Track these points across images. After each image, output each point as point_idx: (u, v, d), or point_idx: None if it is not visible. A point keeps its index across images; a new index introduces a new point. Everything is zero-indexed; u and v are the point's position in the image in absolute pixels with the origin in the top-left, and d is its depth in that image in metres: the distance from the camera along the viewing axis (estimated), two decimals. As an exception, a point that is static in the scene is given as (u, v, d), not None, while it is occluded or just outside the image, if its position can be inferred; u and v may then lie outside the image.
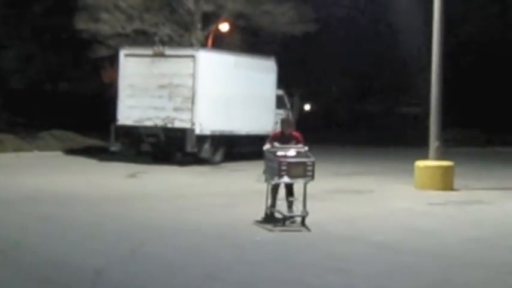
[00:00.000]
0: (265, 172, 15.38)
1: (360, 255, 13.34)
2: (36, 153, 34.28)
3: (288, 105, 38.82)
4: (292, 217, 15.10)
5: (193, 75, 31.32)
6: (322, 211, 18.67)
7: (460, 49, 43.68)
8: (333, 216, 18.37)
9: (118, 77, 32.84)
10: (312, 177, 14.79)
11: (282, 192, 16.15)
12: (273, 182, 14.92)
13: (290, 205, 15.92)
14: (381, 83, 56.47)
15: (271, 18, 41.47)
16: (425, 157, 24.72)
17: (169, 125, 31.36)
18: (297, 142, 15.44)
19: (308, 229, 14.96)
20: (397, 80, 52.89)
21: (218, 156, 32.67)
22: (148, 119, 31.66)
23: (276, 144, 15.40)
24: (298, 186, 15.34)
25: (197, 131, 31.21)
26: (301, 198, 15.40)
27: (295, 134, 15.85)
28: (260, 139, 34.89)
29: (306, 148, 15.21)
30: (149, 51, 33.37)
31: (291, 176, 14.32)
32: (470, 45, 51.58)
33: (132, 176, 26.96)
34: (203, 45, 40.12)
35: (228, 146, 33.27)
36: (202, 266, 12.17)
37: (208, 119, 31.74)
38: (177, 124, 31.31)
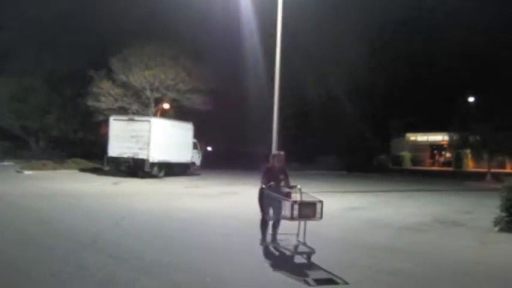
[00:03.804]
0: (268, 208, 10.27)
1: (236, 226, 13.52)
2: (64, 171, 33.51)
3: (198, 147, 38.86)
4: (300, 254, 9.42)
5: (149, 131, 31.13)
6: (217, 203, 18.86)
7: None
8: (223, 205, 18.42)
9: (109, 131, 32.41)
10: (321, 217, 9.20)
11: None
12: (282, 219, 9.72)
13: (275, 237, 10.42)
14: (249, 134, 56.32)
15: (191, 102, 41.69)
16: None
17: (136, 157, 30.95)
18: (285, 175, 10.55)
19: (314, 264, 9.12)
20: (257, 132, 52.88)
21: (161, 173, 32.24)
22: (125, 153, 31.14)
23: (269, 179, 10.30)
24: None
25: (150, 160, 30.96)
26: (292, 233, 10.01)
27: (284, 167, 10.67)
28: (183, 165, 35.06)
29: (299, 186, 10.09)
30: (126, 118, 33.12)
31: (302, 216, 9.10)
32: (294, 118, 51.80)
33: (116, 183, 26.43)
34: (155, 115, 39.86)
35: (167, 168, 32.87)
36: (154, 231, 12.18)
37: (157, 153, 31.45)
38: (140, 156, 30.89)
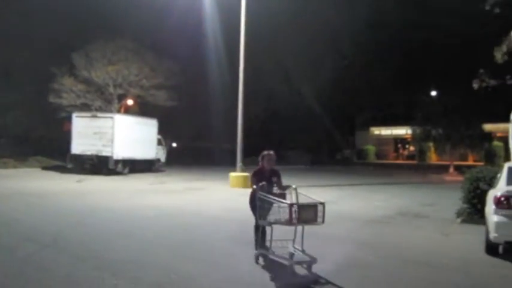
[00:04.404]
0: (261, 214, 8.52)
1: (200, 222, 13.41)
2: (25, 169, 33.09)
3: (163, 143, 38.63)
4: (299, 263, 8.22)
5: (112, 128, 30.96)
6: (182, 199, 18.76)
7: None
8: (188, 202, 18.33)
9: (72, 128, 31.98)
10: (323, 221, 7.94)
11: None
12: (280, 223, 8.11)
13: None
14: (215, 130, 55.92)
15: (155, 98, 41.40)
16: (235, 171, 24.89)
17: (99, 154, 30.74)
18: (278, 177, 9.14)
19: (318, 276, 7.97)
20: (223, 128, 52.36)
21: (126, 170, 32.04)
22: (88, 150, 30.91)
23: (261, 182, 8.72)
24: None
25: (114, 157, 30.87)
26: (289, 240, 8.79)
27: (276, 169, 9.28)
28: (148, 161, 34.83)
29: (294, 186, 8.65)
30: (89, 114, 32.98)
31: (301, 221, 7.85)
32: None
33: (79, 181, 26.12)
34: (118, 111, 39.47)
35: (131, 164, 32.68)
36: (118, 229, 12.04)
37: (121, 150, 31.32)
38: (104, 153, 30.73)
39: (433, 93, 48.30)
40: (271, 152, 9.28)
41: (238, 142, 25.51)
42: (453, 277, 8.41)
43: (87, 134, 31.24)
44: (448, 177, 36.95)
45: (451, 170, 41.39)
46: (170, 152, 41.79)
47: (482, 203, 11.18)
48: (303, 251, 8.34)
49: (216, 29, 36.08)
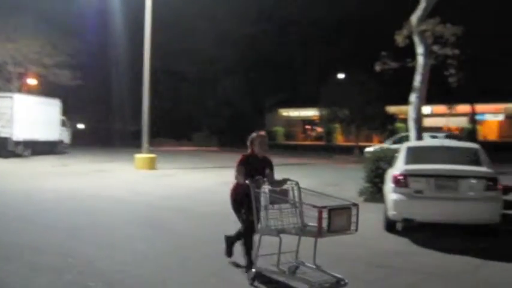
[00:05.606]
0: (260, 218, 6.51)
1: (102, 205, 13.17)
2: None
3: (67, 125, 37.65)
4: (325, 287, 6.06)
5: (12, 108, 29.96)
6: (84, 182, 18.37)
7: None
8: (90, 184, 17.93)
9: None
10: (356, 228, 6.17)
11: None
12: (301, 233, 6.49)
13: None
14: (114, 112, 54.89)
15: (58, 77, 40.10)
16: (141, 152, 24.64)
17: (-3, 135, 29.70)
18: (271, 167, 7.23)
19: None
20: (127, 109, 51.31)
21: (27, 153, 31.05)
22: (-16, 131, 29.85)
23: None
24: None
25: (14, 139, 29.95)
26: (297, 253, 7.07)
27: (268, 157, 7.30)
28: (51, 143, 33.86)
29: (294, 181, 6.96)
30: (-15, 94, 31.62)
31: (333, 230, 5.95)
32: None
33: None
34: (19, 91, 37.88)
35: (33, 146, 31.66)
36: (14, 212, 11.67)
37: (21, 131, 30.35)
38: (2, 134, 29.76)
39: (341, 75, 49.36)
40: (263, 133, 7.28)
41: (144, 123, 25.20)
42: (353, 253, 8.66)
43: (-16, 115, 30.03)
44: (353, 158, 37.97)
45: (356, 151, 42.54)
46: (75, 134, 40.83)
47: (383, 182, 11.57)
48: (317, 267, 6.54)
49: (122, 6, 35.30)
